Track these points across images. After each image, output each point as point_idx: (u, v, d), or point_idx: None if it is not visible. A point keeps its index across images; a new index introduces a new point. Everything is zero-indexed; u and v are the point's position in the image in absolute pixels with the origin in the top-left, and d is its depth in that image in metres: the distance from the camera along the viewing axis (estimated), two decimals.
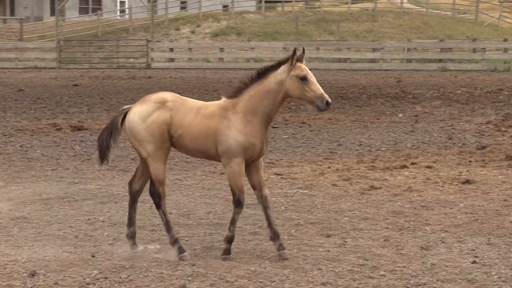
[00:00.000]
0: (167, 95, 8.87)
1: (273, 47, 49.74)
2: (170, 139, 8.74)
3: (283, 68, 8.62)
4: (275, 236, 8.80)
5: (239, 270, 8.30)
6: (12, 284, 7.97)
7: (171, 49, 50.08)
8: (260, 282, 7.99)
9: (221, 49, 49.47)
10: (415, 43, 50.36)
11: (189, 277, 8.12)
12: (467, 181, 13.01)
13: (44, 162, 15.46)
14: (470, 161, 15.08)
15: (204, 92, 30.30)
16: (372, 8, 71.97)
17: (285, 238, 9.59)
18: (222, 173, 13.90)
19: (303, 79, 8.47)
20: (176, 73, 43.13)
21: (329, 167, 14.52)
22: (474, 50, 46.57)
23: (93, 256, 8.85)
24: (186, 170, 14.30)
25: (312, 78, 8.51)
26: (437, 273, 8.27)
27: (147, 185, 9.10)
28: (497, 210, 11.09)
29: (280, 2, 75.23)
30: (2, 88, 32.33)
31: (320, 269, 8.37)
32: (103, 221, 10.59)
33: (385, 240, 9.55)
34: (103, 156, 9.11)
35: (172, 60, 49.20)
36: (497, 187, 12.69)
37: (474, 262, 8.62)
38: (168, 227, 8.88)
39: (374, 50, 47.05)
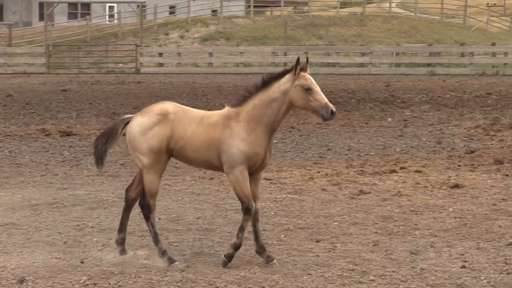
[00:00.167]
0: (169, 106, 8.77)
1: (262, 51, 49.78)
2: (170, 152, 8.67)
3: (287, 77, 8.56)
4: (261, 250, 8.77)
5: (229, 276, 8.29)
6: None
7: (160, 54, 50.07)
8: (250, 287, 7.99)
9: (210, 54, 49.48)
10: (404, 47, 50.48)
11: (179, 283, 8.10)
12: (456, 186, 13.04)
13: (33, 167, 15.42)
14: (459, 166, 15.11)
15: (193, 97, 30.29)
16: (361, 12, 72.12)
17: (274, 243, 9.60)
18: (211, 178, 13.90)
19: (308, 89, 8.42)
20: (165, 78, 43.11)
21: (319, 172, 14.52)
22: (462, 55, 46.71)
23: (82, 262, 8.82)
24: (175, 176, 14.29)
25: (316, 87, 8.45)
26: (427, 277, 8.28)
27: None
28: (486, 214, 11.12)
29: (269, 6, 75.31)
30: None
31: (310, 274, 8.37)
32: (92, 227, 10.56)
33: (374, 245, 9.55)
34: (99, 161, 9.04)
35: (161, 65, 49.18)
36: (486, 191, 12.72)
37: (463, 266, 8.64)
38: (156, 240, 8.83)
39: (363, 54, 47.14)
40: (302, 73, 8.52)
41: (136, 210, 11.21)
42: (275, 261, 8.73)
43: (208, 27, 62.33)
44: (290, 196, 12.55)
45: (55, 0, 62.81)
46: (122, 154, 16.41)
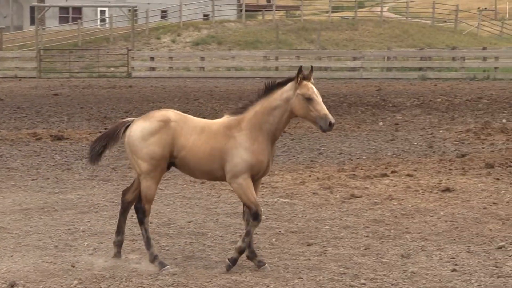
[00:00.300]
0: (171, 114, 8.69)
1: (254, 55, 49.83)
2: (171, 160, 8.63)
3: (289, 85, 8.49)
4: (252, 255, 8.77)
5: (220, 280, 8.29)
6: None
7: (152, 58, 50.07)
8: None
9: (202, 58, 49.50)
10: (395, 51, 50.61)
11: (170, 287, 8.10)
12: (447, 189, 13.06)
13: (24, 172, 15.39)
14: (450, 169, 15.14)
15: (185, 101, 30.29)
16: (352, 17, 72.24)
17: (265, 247, 9.60)
18: (202, 183, 13.89)
19: (308, 98, 8.36)
20: (157, 82, 43.10)
21: (310, 176, 14.54)
22: (453, 59, 46.84)
23: (73, 266, 8.81)
24: (167, 180, 14.27)
25: (317, 97, 8.38)
26: (417, 281, 8.29)
27: None
28: (476, 218, 11.14)
29: (261, 11, 75.39)
30: None
31: (301, 278, 8.37)
32: (83, 231, 10.54)
33: (365, 249, 9.57)
34: (93, 160, 9.03)
35: (152, 69, 49.18)
36: (477, 195, 12.75)
37: (454, 270, 8.65)
38: (148, 244, 8.81)
39: (354, 58, 47.23)
40: (305, 82, 8.43)
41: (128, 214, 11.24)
42: (266, 265, 8.73)
43: (200, 31, 62.35)
44: (281, 200, 12.55)
45: (46, 4, 62.71)
46: (113, 158, 16.40)
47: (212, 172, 8.63)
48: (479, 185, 13.54)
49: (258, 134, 8.50)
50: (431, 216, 11.29)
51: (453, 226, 10.67)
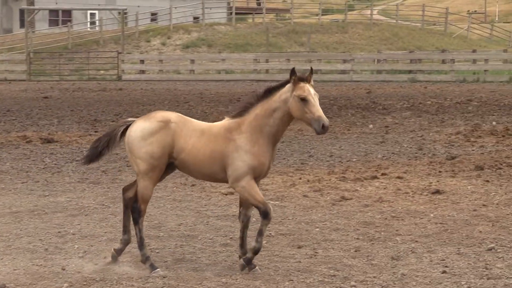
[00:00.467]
0: (172, 115, 8.68)
1: (244, 58, 49.86)
2: (170, 161, 8.62)
3: (287, 87, 8.45)
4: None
5: (210, 282, 8.29)
6: None
7: (142, 61, 50.03)
8: None
9: (192, 61, 49.49)
10: (385, 54, 50.70)
11: None
12: (437, 192, 13.09)
13: (13, 174, 15.35)
14: (440, 172, 15.17)
15: (175, 104, 30.27)
16: (342, 19, 72.37)
17: None
18: (193, 185, 13.89)
19: (303, 99, 8.30)
20: (147, 85, 43.07)
21: (300, 178, 14.55)
22: (443, 61, 46.98)
23: (63, 269, 8.80)
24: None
25: (312, 99, 8.29)
26: (408, 283, 8.30)
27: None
28: (466, 220, 11.17)
29: (251, 13, 75.43)
30: None
31: (291, 280, 8.38)
32: (73, 234, 10.53)
33: (356, 251, 9.58)
34: (91, 159, 9.01)
35: (142, 72, 49.15)
36: (467, 197, 12.78)
37: (444, 272, 8.67)
38: (141, 244, 8.79)
39: (344, 61, 47.31)
40: (302, 84, 8.36)
41: (117, 217, 11.24)
42: (257, 267, 8.73)
43: (190, 34, 62.34)
44: (272, 202, 12.53)
45: (36, 7, 62.62)
46: (104, 161, 16.35)
47: (213, 174, 8.62)
48: (469, 187, 13.57)
49: (258, 136, 8.48)
50: (421, 218, 11.31)
51: (443, 228, 10.69)
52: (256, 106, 8.57)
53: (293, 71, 8.43)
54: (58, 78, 49.08)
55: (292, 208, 12.07)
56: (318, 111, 8.28)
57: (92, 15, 70.42)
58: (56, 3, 67.57)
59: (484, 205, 12.15)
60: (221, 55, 51.30)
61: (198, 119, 9.51)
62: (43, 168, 16.13)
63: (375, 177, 14.49)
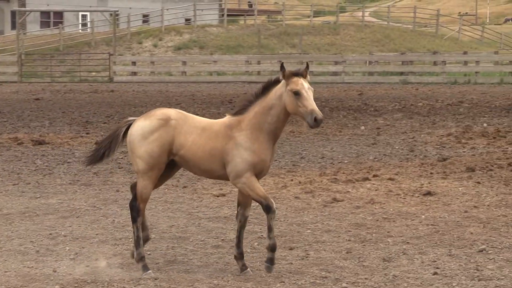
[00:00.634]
0: (172, 112, 8.69)
1: (236, 60, 49.86)
2: (170, 158, 8.60)
3: (282, 82, 8.44)
4: (239, 256, 8.77)
5: (202, 284, 8.28)
6: None
7: (134, 63, 50.01)
8: None
9: (184, 63, 49.49)
10: (377, 56, 50.79)
11: None
12: (429, 193, 13.11)
13: (5, 176, 15.32)
14: (431, 173, 15.19)
15: (167, 105, 30.23)
16: (334, 21, 72.47)
17: (248, 251, 9.60)
18: (184, 187, 13.89)
19: (296, 93, 8.28)
20: (139, 86, 43.04)
21: (292, 180, 14.55)
22: (434, 63, 47.09)
23: (55, 271, 8.78)
24: None
25: (306, 93, 8.27)
26: (399, 284, 8.31)
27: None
28: (457, 221, 11.19)
29: (242, 15, 75.43)
30: None
31: (283, 282, 8.38)
32: (64, 236, 10.51)
33: (347, 252, 9.58)
34: (93, 160, 9.00)
35: (134, 73, 49.12)
36: (458, 198, 12.80)
37: (435, 273, 8.68)
38: (137, 244, 8.77)
39: (336, 63, 47.37)
40: (296, 78, 8.37)
41: (108, 219, 11.23)
42: (248, 269, 8.73)
43: (182, 36, 62.33)
44: None
45: (27, 8, 62.51)
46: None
47: (212, 171, 8.62)
48: (460, 188, 13.60)
49: (258, 134, 8.48)
50: (413, 220, 11.32)
51: (434, 230, 10.71)
52: (255, 104, 8.57)
53: (282, 66, 8.45)
54: (50, 80, 49.00)
55: (284, 210, 12.07)
56: (311, 104, 8.25)
57: (84, 16, 70.33)
58: (48, 5, 67.44)
59: (475, 206, 12.18)
60: (213, 57, 51.31)
61: None
62: (35, 170, 16.10)
63: (366, 179, 14.50)
